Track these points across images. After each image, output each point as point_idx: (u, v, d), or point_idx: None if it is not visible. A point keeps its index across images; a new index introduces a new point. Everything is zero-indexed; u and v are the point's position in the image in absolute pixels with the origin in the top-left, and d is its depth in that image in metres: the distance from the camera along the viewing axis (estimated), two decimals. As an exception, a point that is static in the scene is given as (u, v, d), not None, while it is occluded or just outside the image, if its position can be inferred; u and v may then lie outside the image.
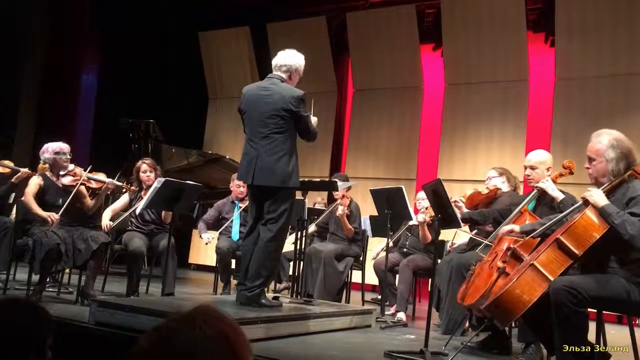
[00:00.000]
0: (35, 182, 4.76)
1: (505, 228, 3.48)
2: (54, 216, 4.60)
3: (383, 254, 5.40)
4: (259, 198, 4.04)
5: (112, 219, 5.11)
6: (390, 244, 5.36)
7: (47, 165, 4.92)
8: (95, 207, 4.98)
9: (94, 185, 4.96)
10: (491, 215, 4.22)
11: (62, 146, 4.84)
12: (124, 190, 5.19)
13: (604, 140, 3.01)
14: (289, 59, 4.11)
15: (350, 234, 5.75)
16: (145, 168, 5.25)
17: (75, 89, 9.27)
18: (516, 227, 3.38)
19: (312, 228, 5.92)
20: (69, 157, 4.86)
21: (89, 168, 4.95)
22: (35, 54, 8.93)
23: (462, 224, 4.01)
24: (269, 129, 3.92)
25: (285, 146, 3.93)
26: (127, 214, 5.13)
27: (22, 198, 4.76)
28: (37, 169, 5.31)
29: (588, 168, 3.08)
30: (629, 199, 2.88)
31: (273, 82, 4.06)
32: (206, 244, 5.95)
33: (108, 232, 4.96)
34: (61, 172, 4.82)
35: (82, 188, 4.86)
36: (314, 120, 4.14)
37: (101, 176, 5.05)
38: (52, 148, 4.81)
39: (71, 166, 4.87)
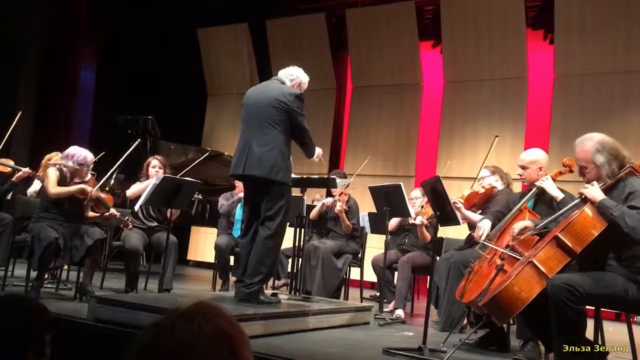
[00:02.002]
0: (54, 173, 4.54)
1: (517, 226, 3.28)
2: (88, 189, 4.55)
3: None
4: (253, 194, 4.04)
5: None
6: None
7: (52, 161, 4.80)
8: (90, 220, 4.85)
9: (97, 210, 4.85)
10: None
11: (88, 158, 4.65)
12: (123, 225, 5.03)
13: (588, 146, 2.99)
14: (299, 72, 4.20)
15: (349, 231, 5.75)
16: (155, 163, 5.30)
17: (73, 87, 9.25)
18: (529, 223, 3.27)
19: (329, 200, 5.92)
20: (90, 167, 4.72)
21: (98, 185, 4.78)
22: (34, 52, 8.90)
23: (461, 222, 4.00)
24: (262, 121, 3.93)
25: (278, 140, 3.92)
26: (149, 187, 4.81)
27: (49, 191, 4.46)
28: (41, 164, 5.23)
29: (583, 175, 3.07)
30: (628, 193, 2.89)
31: (274, 82, 4.14)
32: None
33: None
34: (76, 180, 4.67)
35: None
36: (318, 151, 4.22)
37: (108, 201, 4.94)
38: (77, 158, 4.60)
39: (89, 176, 4.77)
